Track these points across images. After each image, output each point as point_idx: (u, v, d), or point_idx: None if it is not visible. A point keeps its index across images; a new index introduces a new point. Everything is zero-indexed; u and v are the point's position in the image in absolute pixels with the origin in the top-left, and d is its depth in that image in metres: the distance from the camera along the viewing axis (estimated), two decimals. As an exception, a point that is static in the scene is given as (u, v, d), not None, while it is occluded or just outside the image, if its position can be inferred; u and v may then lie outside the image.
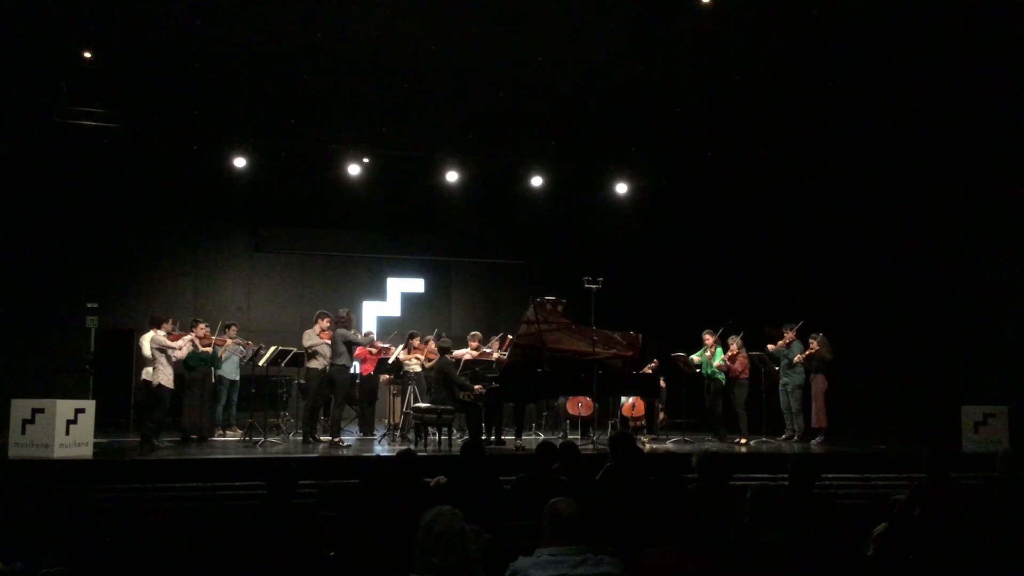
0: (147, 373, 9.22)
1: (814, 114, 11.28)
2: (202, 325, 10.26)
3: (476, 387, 9.50)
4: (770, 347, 10.80)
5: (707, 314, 11.76)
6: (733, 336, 10.68)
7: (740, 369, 10.58)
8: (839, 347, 10.54)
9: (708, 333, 10.74)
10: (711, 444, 10.14)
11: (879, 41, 9.65)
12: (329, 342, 9.75)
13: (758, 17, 9.29)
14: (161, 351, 9.14)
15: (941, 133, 10.76)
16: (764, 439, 10.49)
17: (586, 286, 9.63)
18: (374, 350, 10.99)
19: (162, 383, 9.12)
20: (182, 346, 9.48)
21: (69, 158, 11.82)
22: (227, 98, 11.16)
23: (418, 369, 10.80)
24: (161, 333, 9.25)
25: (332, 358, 9.70)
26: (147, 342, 9.31)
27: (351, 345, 9.85)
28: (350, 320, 10.10)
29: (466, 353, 10.59)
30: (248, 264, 14.20)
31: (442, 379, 9.52)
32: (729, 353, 10.61)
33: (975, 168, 10.62)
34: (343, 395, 10.06)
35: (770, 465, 8.17)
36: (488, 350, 11.09)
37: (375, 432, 10.89)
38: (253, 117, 11.65)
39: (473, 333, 11.11)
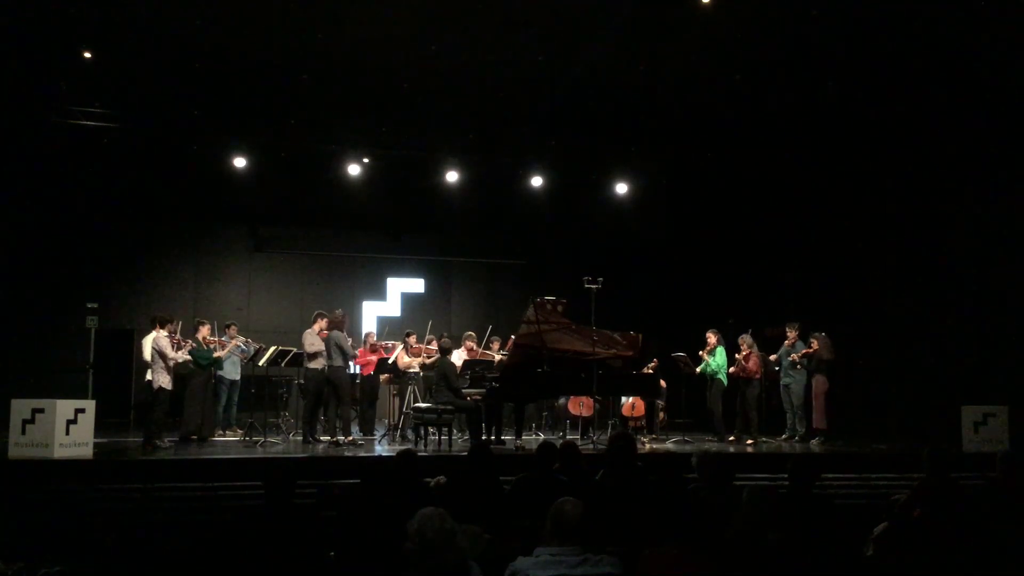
0: (149, 373, 9.25)
1: (814, 114, 11.28)
2: (206, 326, 10.28)
3: (468, 398, 9.54)
4: (772, 357, 10.76)
5: (707, 314, 11.75)
6: (743, 336, 10.64)
7: (754, 369, 10.50)
8: (839, 347, 10.53)
9: (712, 332, 10.72)
10: (711, 444, 10.13)
11: (879, 40, 9.65)
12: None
13: (758, 17, 9.29)
14: (160, 355, 9.15)
15: (942, 132, 10.76)
16: (764, 439, 10.49)
17: (586, 286, 9.63)
18: (373, 356, 10.98)
19: (162, 385, 9.13)
20: (176, 358, 9.36)
21: (69, 158, 11.82)
22: (227, 98, 11.16)
23: (416, 369, 10.81)
24: (163, 334, 9.25)
25: (329, 360, 9.73)
26: (148, 343, 9.33)
27: (343, 352, 9.86)
28: (343, 322, 10.11)
29: (461, 356, 10.56)
30: (248, 264, 14.21)
31: (442, 380, 9.53)
32: (742, 353, 10.57)
33: (975, 168, 10.63)
34: (346, 394, 10.05)
35: (770, 465, 8.16)
36: (488, 352, 11.10)
37: (375, 432, 10.89)
38: (253, 117, 11.66)
39: (468, 334, 11.12)
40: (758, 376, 10.56)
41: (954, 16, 8.93)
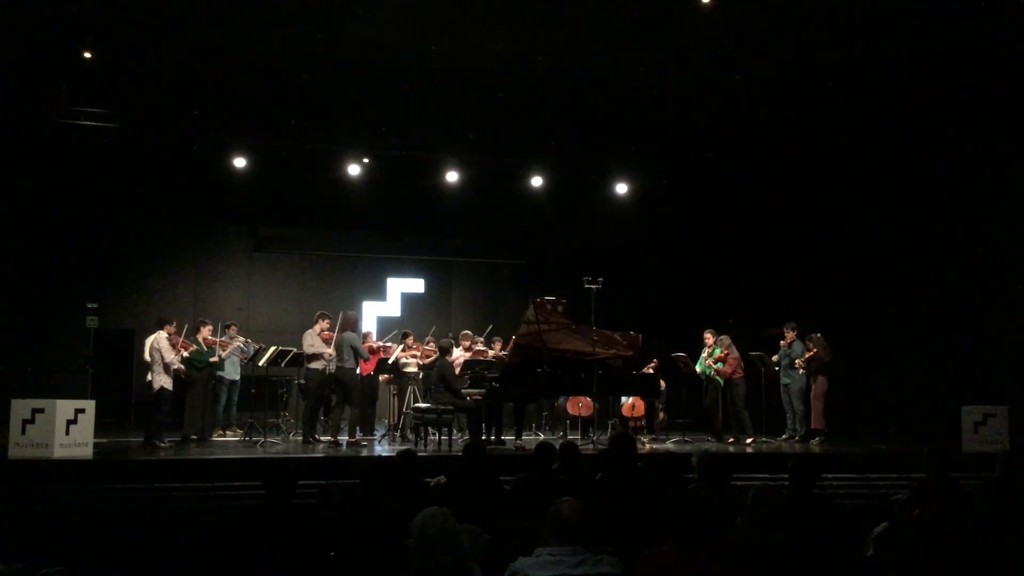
0: (149, 374, 9.26)
1: (814, 114, 11.28)
2: (207, 327, 10.28)
3: (468, 397, 9.55)
4: (773, 358, 10.76)
5: (707, 314, 11.74)
6: (722, 337, 10.67)
7: (730, 371, 10.54)
8: (839, 347, 10.52)
9: (709, 332, 10.73)
10: (711, 444, 10.13)
11: (878, 40, 9.65)
12: (329, 343, 9.75)
13: (758, 17, 9.29)
14: (159, 354, 9.15)
15: (942, 132, 10.76)
16: (764, 439, 10.49)
17: (586, 286, 9.63)
18: (381, 353, 11.00)
19: (163, 385, 9.14)
20: (174, 361, 9.33)
21: (69, 158, 11.82)
22: (227, 98, 11.16)
23: (414, 369, 10.82)
24: (164, 335, 9.25)
25: (340, 360, 9.72)
26: (149, 344, 9.33)
27: (357, 352, 9.86)
28: (356, 324, 10.16)
29: (459, 356, 10.57)
30: (248, 264, 14.20)
31: (441, 380, 9.53)
32: (718, 356, 10.59)
33: (975, 167, 10.63)
34: (355, 396, 10.05)
35: (770, 465, 8.17)
36: (483, 348, 11.11)
37: (375, 432, 10.90)
38: (253, 117, 11.66)
39: (465, 332, 11.13)
40: (738, 376, 10.55)
41: (954, 16, 8.93)
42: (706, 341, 10.72)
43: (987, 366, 10.13)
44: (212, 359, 10.20)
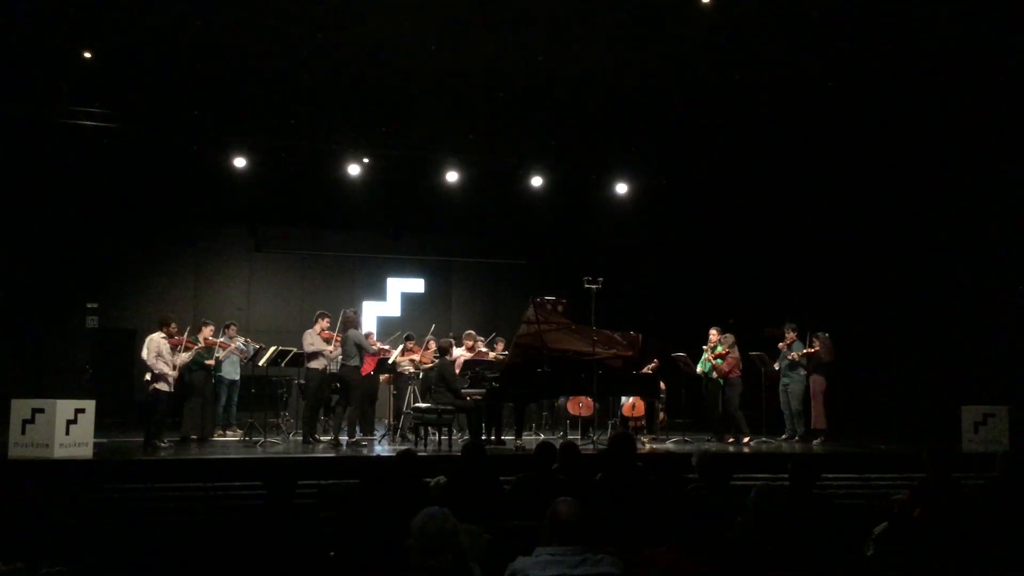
0: (148, 374, 9.24)
1: (814, 114, 11.28)
2: (209, 327, 10.27)
3: (468, 398, 9.54)
4: (776, 366, 10.74)
5: (708, 314, 11.76)
6: (725, 335, 10.66)
7: (727, 369, 10.52)
8: (839, 347, 10.52)
9: (715, 330, 10.72)
10: (711, 444, 10.13)
11: (879, 40, 9.65)
12: (329, 341, 9.76)
13: (758, 17, 9.29)
14: (157, 356, 9.13)
15: (941, 131, 10.76)
16: (764, 439, 10.48)
17: (586, 286, 9.63)
18: (381, 354, 11.01)
19: (156, 387, 9.11)
20: (157, 364, 9.11)
21: (69, 158, 11.82)
22: (227, 98, 11.16)
23: (411, 369, 10.82)
24: (160, 335, 9.23)
25: (344, 359, 9.72)
26: (147, 344, 9.30)
27: (362, 348, 9.86)
28: (358, 321, 10.15)
29: (461, 355, 10.58)
30: (248, 264, 14.20)
31: (441, 381, 9.53)
32: (719, 352, 10.58)
33: (975, 167, 10.63)
34: (358, 396, 10.05)
35: (770, 465, 8.16)
36: (484, 349, 11.11)
37: (375, 432, 10.90)
38: (253, 117, 11.65)
39: (468, 332, 11.13)
40: (735, 375, 10.53)
41: (954, 16, 8.93)
42: (711, 338, 10.70)
43: (987, 366, 10.13)
44: (207, 362, 10.14)
